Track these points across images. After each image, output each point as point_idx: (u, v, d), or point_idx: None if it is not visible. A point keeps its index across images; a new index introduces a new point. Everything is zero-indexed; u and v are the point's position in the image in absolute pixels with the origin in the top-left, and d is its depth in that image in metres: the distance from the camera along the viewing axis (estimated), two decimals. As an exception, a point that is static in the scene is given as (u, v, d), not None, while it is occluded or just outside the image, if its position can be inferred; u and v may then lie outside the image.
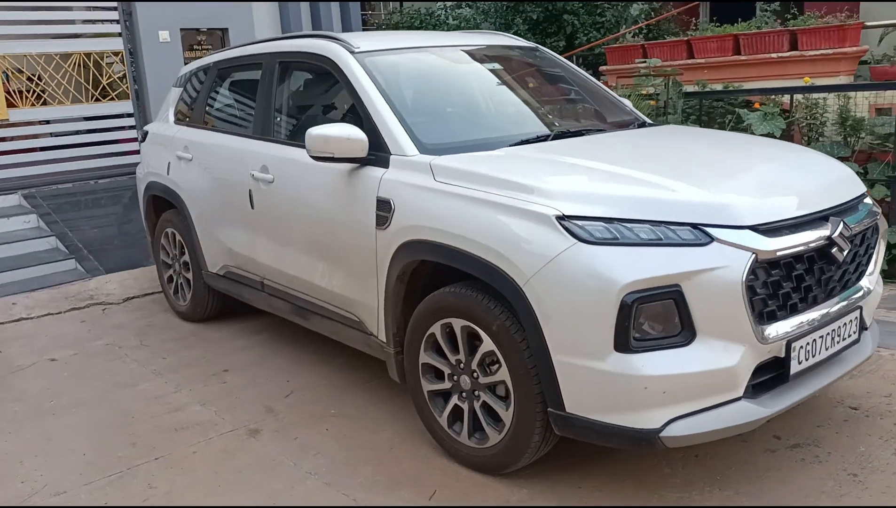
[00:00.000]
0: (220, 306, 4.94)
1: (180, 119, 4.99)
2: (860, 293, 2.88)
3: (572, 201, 2.55)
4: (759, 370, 2.56)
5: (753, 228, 2.48)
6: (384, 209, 3.11)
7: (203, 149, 4.50)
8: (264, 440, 3.37)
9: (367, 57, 3.59)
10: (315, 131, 3.22)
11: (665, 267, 2.39)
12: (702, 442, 2.56)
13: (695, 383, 2.44)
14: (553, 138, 3.34)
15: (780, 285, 2.55)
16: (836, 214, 2.73)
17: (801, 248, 2.56)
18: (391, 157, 3.19)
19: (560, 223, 2.50)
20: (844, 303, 2.80)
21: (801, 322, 2.62)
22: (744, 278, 2.40)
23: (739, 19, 8.02)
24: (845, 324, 2.82)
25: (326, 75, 3.74)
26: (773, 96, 6.37)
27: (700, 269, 2.39)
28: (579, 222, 2.48)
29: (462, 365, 2.94)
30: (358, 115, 3.47)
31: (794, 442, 3.07)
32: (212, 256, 4.57)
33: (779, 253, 2.49)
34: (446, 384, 3.03)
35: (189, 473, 3.11)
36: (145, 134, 5.30)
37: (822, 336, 2.71)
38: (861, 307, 2.90)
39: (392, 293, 3.16)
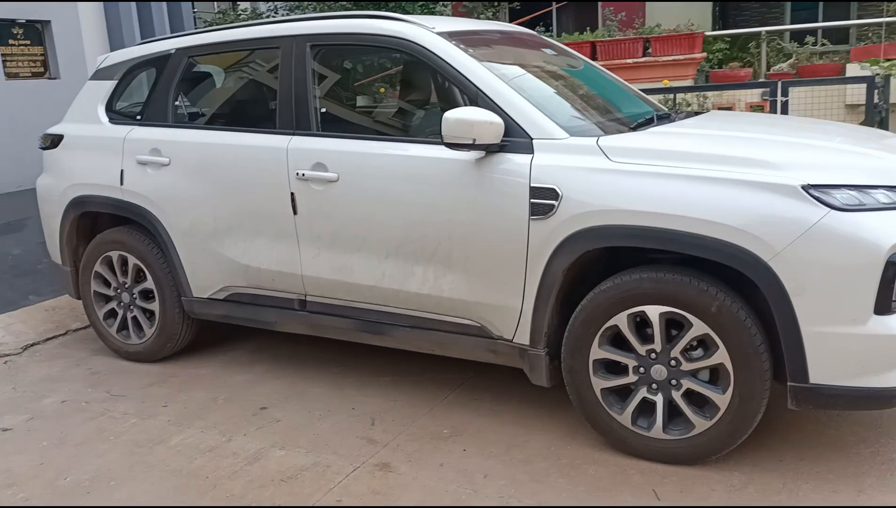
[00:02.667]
0: (190, 339, 4.15)
1: (121, 117, 4.10)
2: None
3: (809, 171, 2.56)
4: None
5: None
6: (545, 197, 2.85)
7: (191, 150, 3.74)
8: (405, 472, 2.91)
9: (453, 39, 3.27)
10: (455, 115, 2.86)
11: (913, 229, 2.50)
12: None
13: (926, 337, 2.58)
14: (657, 123, 3.32)
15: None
16: None
17: None
18: (535, 141, 2.94)
19: (808, 193, 2.50)
20: None
21: None
22: None
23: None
24: None
25: (390, 59, 3.34)
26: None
27: (932, 228, 2.54)
28: (829, 191, 2.50)
29: (655, 355, 2.80)
30: (451, 101, 3.16)
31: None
32: (203, 278, 3.81)
33: None
34: (630, 378, 2.86)
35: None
36: (56, 138, 4.26)
37: None
38: None
39: (550, 289, 2.91)
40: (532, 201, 2.88)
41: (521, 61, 3.58)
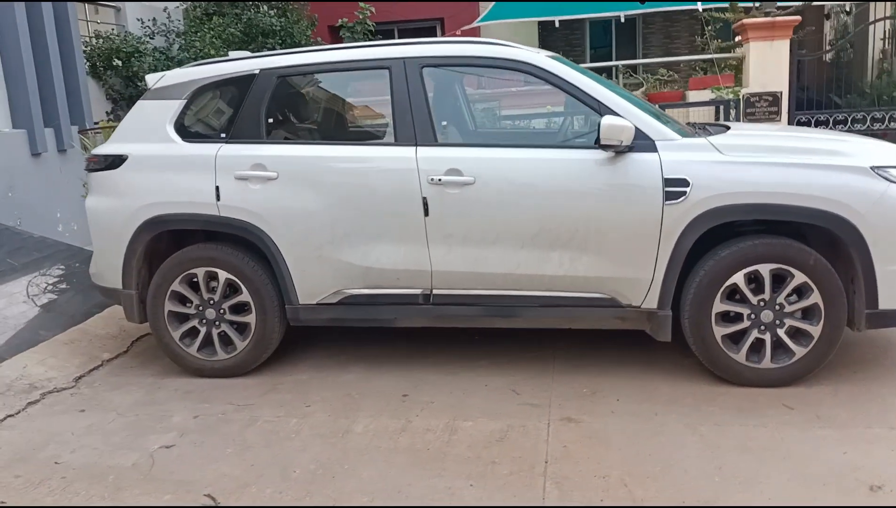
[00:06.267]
0: (275, 348, 4.28)
1: (197, 136, 4.15)
2: None
3: (868, 156, 3.59)
4: None
5: None
6: (678, 185, 3.59)
7: (303, 164, 3.94)
8: (590, 420, 3.46)
9: (557, 61, 3.92)
10: (609, 122, 3.54)
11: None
12: None
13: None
14: (719, 129, 4.20)
15: None
16: None
17: None
18: (657, 142, 3.68)
19: (875, 172, 3.52)
20: None
21: None
22: None
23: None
24: None
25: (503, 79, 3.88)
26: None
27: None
28: (886, 169, 3.54)
29: (764, 303, 3.66)
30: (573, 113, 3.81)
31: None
32: (314, 284, 4.01)
33: None
34: (744, 324, 3.70)
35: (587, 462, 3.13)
36: (117, 159, 4.16)
37: None
38: None
39: (678, 260, 3.65)
40: (666, 189, 3.62)
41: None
